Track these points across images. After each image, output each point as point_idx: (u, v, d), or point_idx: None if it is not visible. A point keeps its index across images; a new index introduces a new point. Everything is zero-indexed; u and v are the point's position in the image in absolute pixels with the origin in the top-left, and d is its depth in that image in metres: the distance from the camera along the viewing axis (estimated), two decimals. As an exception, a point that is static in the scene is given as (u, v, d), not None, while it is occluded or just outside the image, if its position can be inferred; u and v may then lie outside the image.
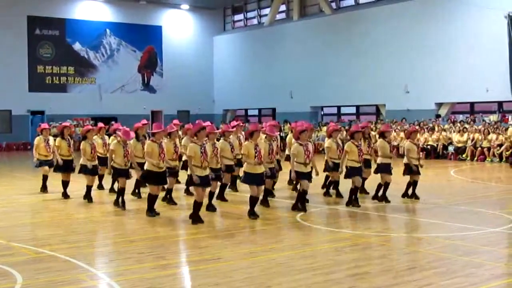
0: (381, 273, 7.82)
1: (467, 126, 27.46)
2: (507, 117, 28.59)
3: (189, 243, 10.03)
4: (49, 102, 38.54)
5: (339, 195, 14.26)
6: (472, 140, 26.46)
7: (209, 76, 45.35)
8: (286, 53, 39.23)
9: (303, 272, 7.87)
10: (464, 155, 26.57)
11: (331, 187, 14.85)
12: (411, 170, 13.82)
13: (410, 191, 14.06)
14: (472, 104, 31.38)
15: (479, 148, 26.11)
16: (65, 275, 7.79)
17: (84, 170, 14.12)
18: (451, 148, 26.96)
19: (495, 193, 16.66)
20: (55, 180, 15.92)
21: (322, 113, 38.89)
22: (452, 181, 18.88)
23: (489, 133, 26.10)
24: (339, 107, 37.98)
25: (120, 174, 13.17)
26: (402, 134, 26.55)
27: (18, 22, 38.08)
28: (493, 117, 28.93)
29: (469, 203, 13.79)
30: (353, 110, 37.33)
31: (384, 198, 13.58)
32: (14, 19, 37.78)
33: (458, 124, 28.11)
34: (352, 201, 13.03)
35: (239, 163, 13.61)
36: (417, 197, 13.97)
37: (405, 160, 14.05)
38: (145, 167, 12.13)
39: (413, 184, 14.00)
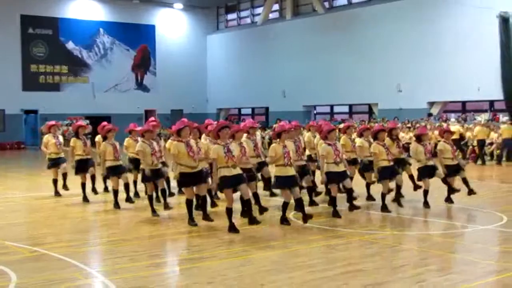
0: (375, 270, 7.84)
1: (458, 126, 27.52)
2: (498, 116, 28.69)
3: (182, 242, 10.03)
4: (42, 101, 38.48)
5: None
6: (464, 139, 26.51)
7: (203, 75, 45.36)
8: (279, 52, 39.26)
9: (297, 270, 7.88)
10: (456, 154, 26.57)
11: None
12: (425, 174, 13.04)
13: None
14: (463, 103, 31.49)
15: (471, 147, 26.16)
16: (60, 273, 7.79)
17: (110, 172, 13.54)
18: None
19: (486, 191, 16.70)
20: (49, 179, 15.87)
21: (315, 112, 38.95)
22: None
23: (489, 132, 26.06)
24: (332, 106, 38.04)
25: (153, 175, 12.28)
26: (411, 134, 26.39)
27: (11, 21, 38.03)
28: (485, 116, 29.01)
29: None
30: (346, 109, 37.39)
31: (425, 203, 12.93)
32: (7, 18, 37.71)
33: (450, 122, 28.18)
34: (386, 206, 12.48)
35: None
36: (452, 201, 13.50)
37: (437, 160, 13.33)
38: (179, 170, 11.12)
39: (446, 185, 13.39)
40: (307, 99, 37.70)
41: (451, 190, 13.33)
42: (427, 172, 12.93)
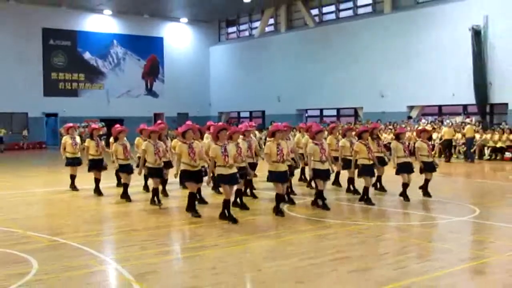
0: (360, 257, 7.81)
1: (435, 126, 27.56)
2: (471, 118, 28.72)
3: (188, 231, 10.00)
4: (62, 105, 38.53)
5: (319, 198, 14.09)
6: (440, 139, 26.52)
7: (206, 82, 45.35)
8: (275, 61, 39.26)
9: (290, 257, 7.85)
10: (433, 152, 26.56)
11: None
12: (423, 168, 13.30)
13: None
14: (440, 107, 31.47)
15: (457, 147, 26.15)
16: (77, 261, 7.75)
17: (120, 169, 13.58)
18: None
19: (460, 186, 16.72)
20: (67, 176, 15.84)
21: (307, 115, 38.94)
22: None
23: (455, 133, 26.19)
24: (321, 110, 37.99)
25: (154, 173, 12.45)
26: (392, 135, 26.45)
27: (34, 33, 38.04)
28: (459, 119, 29.04)
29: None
30: (334, 112, 37.36)
31: (404, 196, 12.93)
32: (31, 30, 37.73)
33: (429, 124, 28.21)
34: (365, 198, 12.52)
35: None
36: (428, 195, 13.40)
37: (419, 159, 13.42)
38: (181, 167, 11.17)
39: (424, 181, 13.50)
40: (300, 103, 37.68)
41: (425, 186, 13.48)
42: (405, 167, 12.96)
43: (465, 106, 29.82)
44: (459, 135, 25.92)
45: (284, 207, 11.89)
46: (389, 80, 31.84)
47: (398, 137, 13.24)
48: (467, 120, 28.06)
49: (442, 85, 29.06)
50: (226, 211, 10.60)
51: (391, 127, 28.51)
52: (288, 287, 6.54)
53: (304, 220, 10.71)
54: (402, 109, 31.48)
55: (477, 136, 25.25)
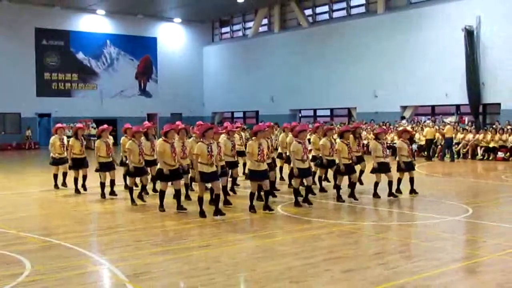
0: (354, 257, 7.83)
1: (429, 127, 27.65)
2: (464, 118, 28.84)
3: (182, 232, 9.98)
4: (55, 105, 38.43)
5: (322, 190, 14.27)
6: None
7: (199, 82, 45.31)
8: (268, 61, 39.26)
9: (284, 257, 7.86)
10: (425, 152, 26.69)
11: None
12: (400, 167, 13.50)
13: (393, 188, 13.48)
14: (433, 107, 31.56)
15: (439, 146, 26.27)
16: (71, 261, 7.74)
17: (101, 167, 13.70)
18: (414, 146, 27.05)
19: (453, 185, 16.76)
20: (68, 176, 15.86)
21: (300, 115, 38.95)
22: (415, 175, 18.94)
23: (436, 132, 26.23)
24: (315, 110, 38.02)
25: (136, 172, 12.67)
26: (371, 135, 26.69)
27: (27, 33, 37.91)
28: (452, 119, 29.14)
29: (431, 194, 13.85)
30: (328, 112, 37.39)
31: (375, 195, 13.11)
32: (24, 30, 37.61)
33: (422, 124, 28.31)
34: (338, 197, 12.69)
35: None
36: (400, 192, 13.61)
37: (397, 158, 13.69)
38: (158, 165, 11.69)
39: (397, 180, 13.62)
40: (293, 103, 37.71)
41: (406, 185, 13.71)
42: (382, 168, 13.10)
43: (458, 106, 29.92)
44: (459, 135, 25.94)
45: (279, 207, 11.93)
46: (382, 80, 31.91)
47: (377, 137, 13.45)
48: (447, 120, 28.25)
49: (435, 85, 29.15)
50: (201, 208, 10.91)
51: (384, 127, 28.55)
52: (282, 287, 6.54)
53: (298, 220, 10.72)
54: (396, 109, 31.54)
55: (470, 136, 25.36)
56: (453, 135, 25.26)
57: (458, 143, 25.65)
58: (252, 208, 11.44)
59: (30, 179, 19.39)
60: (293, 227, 10.02)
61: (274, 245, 8.75)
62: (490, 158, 24.43)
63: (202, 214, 10.85)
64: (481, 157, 24.68)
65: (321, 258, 7.79)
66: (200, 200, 10.93)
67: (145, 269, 7.29)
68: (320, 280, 6.77)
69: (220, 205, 11.29)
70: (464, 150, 25.32)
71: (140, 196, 12.87)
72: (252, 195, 11.50)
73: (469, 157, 24.96)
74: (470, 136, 25.37)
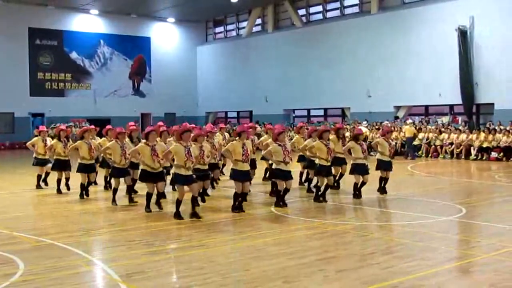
0: (347, 257, 7.84)
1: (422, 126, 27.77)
2: (457, 118, 28.92)
3: (175, 232, 9.97)
4: (48, 105, 38.30)
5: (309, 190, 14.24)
6: (426, 139, 26.73)
7: (193, 82, 45.25)
8: (262, 61, 39.26)
9: (278, 257, 7.86)
10: (419, 152, 26.82)
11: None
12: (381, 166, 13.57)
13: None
14: (426, 107, 31.63)
15: (433, 146, 26.38)
16: (64, 261, 7.71)
17: (80, 168, 13.72)
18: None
19: (447, 185, 16.81)
20: (54, 176, 15.81)
21: (294, 115, 38.97)
22: (409, 175, 19.00)
23: (441, 133, 26.41)
24: (309, 110, 38.05)
25: (119, 173, 12.63)
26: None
27: (20, 33, 37.75)
28: (445, 119, 29.22)
29: (425, 194, 13.89)
30: (321, 112, 37.41)
31: (357, 195, 13.10)
32: (17, 30, 37.44)
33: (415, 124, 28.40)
34: (320, 197, 12.66)
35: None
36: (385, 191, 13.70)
37: (377, 156, 13.80)
38: (140, 167, 11.79)
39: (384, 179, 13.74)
40: (287, 103, 37.71)
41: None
42: (360, 169, 13.04)
43: (451, 106, 30.00)
44: (445, 135, 26.14)
45: (272, 208, 11.93)
46: (376, 80, 31.96)
47: (356, 138, 13.31)
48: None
49: (428, 85, 29.21)
50: (178, 210, 10.77)
51: (377, 126, 28.61)
52: (275, 286, 6.53)
53: (292, 220, 10.73)
54: (389, 109, 31.60)
55: (464, 136, 25.44)
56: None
57: (451, 143, 25.74)
58: (236, 208, 11.42)
59: (22, 179, 19.30)
60: (286, 227, 10.02)
61: (267, 245, 8.74)
62: (484, 158, 24.51)
63: (178, 216, 10.70)
64: (475, 157, 24.76)
65: (314, 258, 7.79)
66: (179, 203, 10.75)
67: (138, 269, 7.27)
68: (314, 280, 6.77)
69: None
70: (458, 150, 25.40)
71: (130, 198, 12.80)
72: (236, 195, 11.43)
73: (463, 157, 25.04)
74: (463, 136, 25.45)
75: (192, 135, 11.02)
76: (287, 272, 7.09)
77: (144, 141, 11.63)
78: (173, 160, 10.90)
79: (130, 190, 12.91)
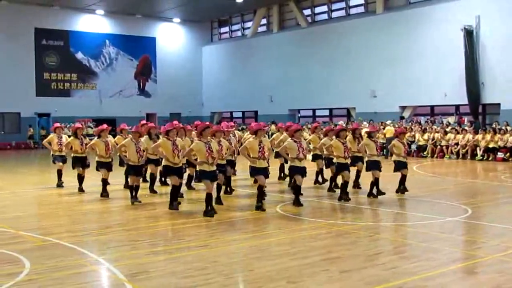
0: (351, 257, 7.83)
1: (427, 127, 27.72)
2: (463, 118, 28.84)
3: (179, 232, 9.99)
4: (54, 105, 38.43)
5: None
6: (432, 139, 26.67)
7: (198, 82, 45.31)
8: (267, 61, 39.27)
9: (282, 257, 7.86)
10: (425, 153, 26.77)
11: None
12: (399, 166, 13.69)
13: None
14: (432, 107, 31.57)
15: (439, 146, 26.32)
16: (69, 260, 7.74)
17: (100, 166, 13.88)
18: (414, 146, 27.12)
19: (452, 186, 16.77)
20: (66, 176, 15.93)
21: (299, 115, 38.95)
22: (414, 175, 18.97)
23: (447, 133, 26.34)
24: (314, 110, 38.02)
25: (134, 170, 12.76)
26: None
27: (27, 33, 37.91)
28: (451, 119, 29.14)
29: (430, 195, 13.86)
30: (327, 112, 37.39)
31: (376, 193, 13.21)
32: (23, 31, 37.59)
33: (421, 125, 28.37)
34: (342, 197, 12.78)
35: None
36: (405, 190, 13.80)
37: (394, 157, 13.92)
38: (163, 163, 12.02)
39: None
40: (292, 103, 37.71)
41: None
42: (374, 165, 13.21)
43: (457, 107, 29.92)
44: (451, 136, 26.08)
45: (277, 207, 11.95)
46: (381, 80, 31.92)
47: (370, 135, 13.58)
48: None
49: (434, 85, 29.16)
50: (209, 206, 10.95)
51: (382, 127, 28.59)
52: (279, 287, 6.54)
53: (296, 220, 10.73)
54: (395, 109, 31.55)
55: (469, 136, 25.37)
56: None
57: (457, 144, 25.68)
58: (260, 208, 11.53)
59: (27, 178, 19.39)
60: (291, 227, 10.02)
61: (271, 245, 8.75)
62: (490, 158, 24.43)
63: (209, 213, 10.86)
64: (481, 157, 24.68)
65: (318, 258, 7.79)
66: (209, 197, 10.95)
67: (142, 268, 7.29)
68: (317, 281, 6.77)
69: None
70: (463, 150, 25.34)
71: (135, 197, 12.85)
72: (260, 188, 11.59)
73: (469, 157, 24.98)
74: (469, 137, 25.38)
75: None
76: (290, 272, 7.09)
77: (165, 136, 11.77)
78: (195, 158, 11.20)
79: (137, 190, 12.94)
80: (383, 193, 13.26)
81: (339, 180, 13.49)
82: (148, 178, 14.81)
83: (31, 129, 37.58)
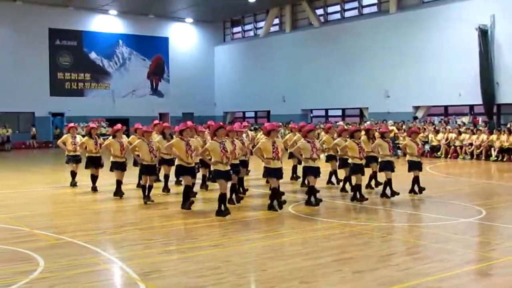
0: (364, 258, 7.80)
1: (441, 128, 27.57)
2: (477, 119, 28.65)
3: (192, 231, 10.01)
4: (68, 105, 38.68)
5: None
6: (446, 140, 26.53)
7: (211, 82, 45.38)
8: (279, 61, 39.24)
9: (294, 257, 7.86)
10: (439, 153, 26.63)
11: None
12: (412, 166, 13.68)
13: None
14: (446, 107, 31.39)
15: (453, 147, 26.16)
16: (82, 259, 7.79)
17: (114, 166, 13.88)
18: (427, 147, 26.99)
19: (466, 187, 16.66)
20: (80, 175, 16.01)
21: (312, 115, 38.89)
22: (428, 176, 18.86)
23: (461, 134, 26.18)
24: (326, 110, 37.95)
25: (147, 170, 12.84)
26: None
27: (41, 34, 38.16)
28: (465, 119, 28.95)
29: (443, 196, 13.79)
30: (339, 112, 37.30)
31: (390, 193, 13.17)
32: (37, 31, 37.87)
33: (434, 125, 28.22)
34: (356, 198, 12.76)
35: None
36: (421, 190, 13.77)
37: (407, 157, 13.89)
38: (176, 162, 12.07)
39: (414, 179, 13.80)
40: (305, 103, 37.67)
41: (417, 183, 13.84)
42: (387, 165, 13.18)
43: (471, 107, 29.73)
44: (465, 136, 25.91)
45: (290, 207, 11.94)
46: (394, 80, 31.78)
47: (382, 135, 13.56)
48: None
49: (448, 85, 28.98)
50: (222, 206, 10.93)
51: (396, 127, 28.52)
52: (291, 287, 6.53)
53: (309, 220, 10.72)
54: (408, 109, 31.41)
55: (484, 136, 25.20)
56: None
57: (471, 144, 25.52)
58: (272, 207, 11.55)
59: (41, 177, 19.53)
60: (304, 227, 10.01)
61: (284, 245, 8.75)
62: (504, 159, 24.24)
63: (221, 212, 10.87)
64: (495, 158, 24.51)
65: (331, 258, 7.77)
66: (223, 197, 10.95)
67: (155, 267, 7.32)
68: (330, 281, 6.76)
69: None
70: (478, 151, 25.17)
71: (145, 195, 12.88)
72: (274, 190, 11.58)
73: (483, 158, 24.81)
74: (483, 137, 25.21)
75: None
76: (303, 272, 7.08)
77: (179, 136, 11.80)
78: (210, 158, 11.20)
79: (150, 190, 12.95)
80: (397, 193, 13.19)
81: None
82: (161, 178, 14.87)
83: (34, 129, 37.72)
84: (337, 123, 29.15)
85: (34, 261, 7.61)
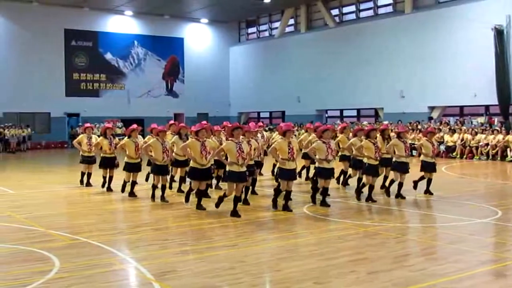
0: (379, 259, 7.78)
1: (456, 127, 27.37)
2: (493, 119, 28.43)
3: (207, 231, 10.03)
4: (83, 105, 38.90)
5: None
6: (461, 140, 26.36)
7: (226, 82, 45.44)
8: (295, 62, 39.21)
9: (309, 257, 7.85)
10: (454, 154, 26.46)
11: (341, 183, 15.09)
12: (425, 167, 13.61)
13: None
14: (461, 107, 31.19)
15: (468, 147, 25.99)
16: (98, 259, 7.83)
17: (128, 167, 13.85)
18: (442, 147, 26.83)
19: (482, 187, 16.55)
20: (95, 175, 16.09)
21: (327, 115, 38.82)
22: (443, 177, 18.75)
23: (476, 134, 26.01)
24: (341, 110, 37.86)
25: (160, 170, 12.84)
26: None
27: (57, 34, 38.42)
28: (481, 120, 28.75)
29: (459, 196, 13.70)
30: (354, 113, 37.19)
31: (396, 195, 13.17)
32: (53, 32, 38.13)
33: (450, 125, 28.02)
34: (369, 197, 12.71)
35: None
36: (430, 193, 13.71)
37: (422, 157, 13.81)
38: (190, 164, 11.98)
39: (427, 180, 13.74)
40: (319, 104, 37.60)
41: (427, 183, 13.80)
42: (402, 167, 13.07)
43: (487, 107, 29.53)
44: (481, 136, 25.73)
45: (304, 208, 11.93)
46: (410, 81, 31.65)
47: (399, 135, 13.39)
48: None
49: (463, 86, 28.79)
50: (236, 209, 10.94)
51: (411, 127, 28.38)
52: (306, 287, 6.53)
53: (323, 221, 10.70)
54: (423, 110, 31.25)
55: (500, 137, 25.01)
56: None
57: (487, 144, 25.34)
58: (274, 206, 11.65)
59: (57, 177, 19.66)
60: (318, 228, 10.00)
61: (298, 245, 8.75)
62: (520, 160, 24.07)
63: (235, 214, 10.87)
64: (511, 158, 24.31)
65: (345, 259, 7.76)
66: (237, 200, 10.95)
67: (170, 268, 7.35)
68: (345, 282, 6.75)
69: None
70: (494, 151, 24.98)
71: (162, 197, 12.93)
72: (278, 192, 11.62)
73: (499, 158, 24.62)
74: (499, 137, 25.02)
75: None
76: (317, 273, 7.08)
77: (195, 137, 11.74)
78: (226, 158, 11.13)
79: (164, 190, 13.00)
80: (403, 197, 13.10)
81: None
82: (176, 179, 14.91)
83: (73, 130, 37.99)
84: (363, 123, 29.18)
85: (49, 261, 7.66)
